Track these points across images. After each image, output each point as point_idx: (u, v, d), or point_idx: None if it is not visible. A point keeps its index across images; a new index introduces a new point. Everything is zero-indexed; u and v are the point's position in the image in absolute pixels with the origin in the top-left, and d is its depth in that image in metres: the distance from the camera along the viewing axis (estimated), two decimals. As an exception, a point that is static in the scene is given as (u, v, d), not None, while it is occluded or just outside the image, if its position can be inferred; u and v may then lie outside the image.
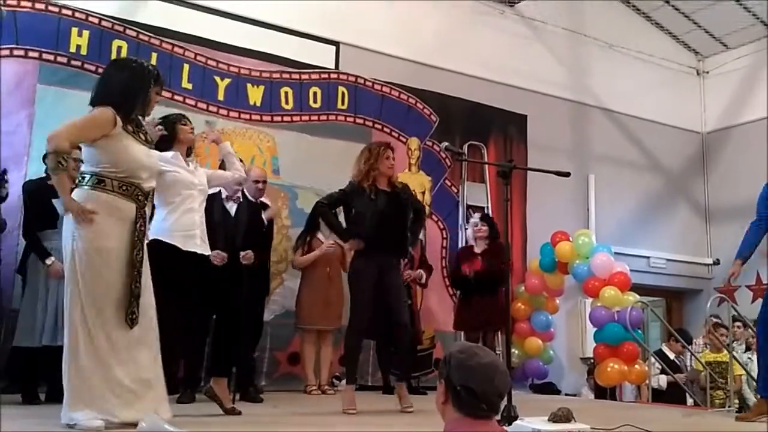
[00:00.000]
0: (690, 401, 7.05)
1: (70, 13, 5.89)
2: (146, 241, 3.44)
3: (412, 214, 4.75)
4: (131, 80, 3.35)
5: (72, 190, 3.26)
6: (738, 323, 7.22)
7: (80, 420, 3.08)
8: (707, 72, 10.35)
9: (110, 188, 3.22)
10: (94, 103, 3.32)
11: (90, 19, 5.97)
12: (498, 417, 2.20)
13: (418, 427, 2.27)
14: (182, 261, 4.04)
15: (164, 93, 4.82)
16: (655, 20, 9.80)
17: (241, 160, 5.19)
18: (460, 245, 7.40)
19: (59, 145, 3.13)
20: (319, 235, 6.02)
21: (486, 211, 7.77)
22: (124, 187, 3.25)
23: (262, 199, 5.64)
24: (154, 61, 6.11)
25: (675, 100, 9.95)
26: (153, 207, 3.80)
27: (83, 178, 3.27)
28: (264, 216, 5.47)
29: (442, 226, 7.58)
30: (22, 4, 5.69)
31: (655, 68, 9.73)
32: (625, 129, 9.48)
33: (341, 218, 4.84)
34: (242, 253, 4.91)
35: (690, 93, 10.25)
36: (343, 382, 4.86)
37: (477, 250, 6.62)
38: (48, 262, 4.49)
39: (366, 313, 4.54)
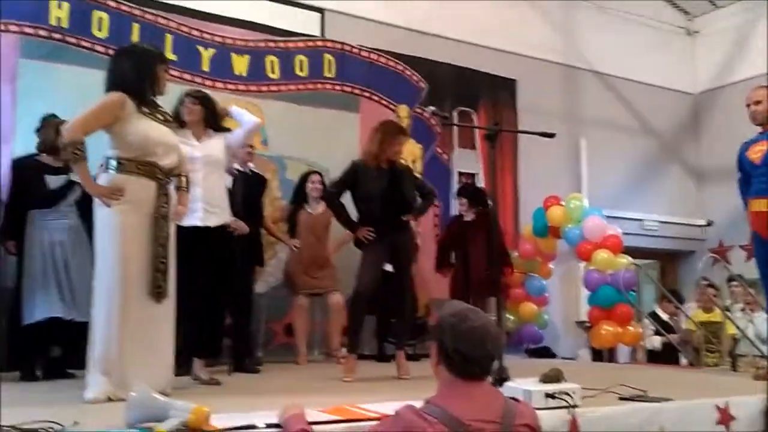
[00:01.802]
0: (684, 361, 7.10)
1: (48, -16, 5.76)
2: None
3: (423, 194, 4.87)
4: (136, 63, 3.46)
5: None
6: (734, 283, 7.23)
7: (91, 384, 3.19)
8: (697, 32, 10.28)
9: (129, 170, 3.33)
10: (108, 91, 3.40)
11: (68, -10, 5.84)
12: (490, 379, 2.20)
13: (416, 393, 2.26)
14: (185, 236, 4.00)
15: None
16: (645, -20, 9.69)
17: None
18: (452, 213, 7.35)
19: (73, 136, 3.24)
20: (306, 207, 6.01)
21: (475, 179, 7.74)
22: (141, 167, 3.35)
23: (253, 168, 5.60)
24: (136, 32, 6.02)
25: (666, 61, 9.88)
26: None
27: (106, 162, 3.37)
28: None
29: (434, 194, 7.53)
30: (0, -23, 5.57)
31: (646, 29, 9.65)
32: (616, 91, 9.43)
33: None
34: (231, 221, 4.81)
35: (681, 54, 10.19)
36: (343, 350, 4.90)
37: (467, 218, 6.63)
38: (9, 245, 4.60)
39: (373, 281, 4.58)
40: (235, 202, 4.99)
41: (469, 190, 7.08)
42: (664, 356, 7.13)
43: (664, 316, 7.46)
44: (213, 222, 4.25)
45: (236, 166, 5.30)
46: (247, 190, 5.27)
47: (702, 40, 10.22)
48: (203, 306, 4.25)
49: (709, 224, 9.83)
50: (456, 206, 7.33)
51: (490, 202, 6.91)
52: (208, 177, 4.25)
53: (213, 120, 4.38)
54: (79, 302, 4.38)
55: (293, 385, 4.37)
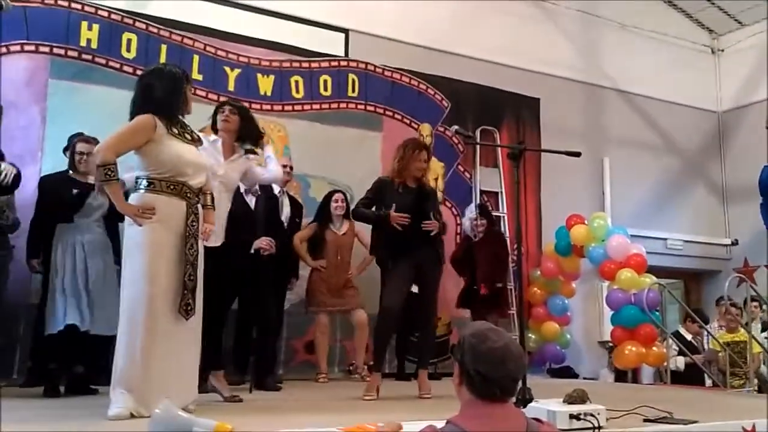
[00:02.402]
0: (708, 382, 7.00)
1: (79, 6, 5.91)
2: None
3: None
4: (165, 84, 3.49)
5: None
6: (755, 303, 7.14)
7: (114, 401, 3.22)
8: (722, 50, 10.21)
9: (159, 189, 3.38)
10: (135, 113, 3.44)
11: (99, 12, 5.99)
12: (513, 400, 2.19)
13: (437, 413, 2.26)
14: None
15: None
16: (669, -1, 9.68)
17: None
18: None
19: (105, 158, 3.29)
20: (331, 227, 6.05)
21: (498, 198, 7.77)
22: (171, 186, 3.40)
23: (288, 189, 5.79)
24: (164, 53, 6.17)
25: (690, 79, 9.83)
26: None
27: (137, 182, 3.43)
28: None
29: (455, 212, 7.55)
30: (32, -1, 5.72)
31: (670, 48, 9.62)
32: (639, 110, 9.39)
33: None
34: (256, 243, 4.87)
35: (705, 72, 10.12)
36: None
37: (476, 239, 6.71)
38: (34, 262, 4.72)
39: (399, 300, 4.55)
40: (258, 221, 5.05)
41: (487, 209, 7.12)
42: (689, 377, 7.03)
43: (688, 336, 7.36)
44: (212, 242, 4.27)
45: (274, 186, 5.42)
46: (270, 211, 5.32)
47: (726, 59, 10.15)
48: (221, 323, 4.31)
49: (734, 243, 9.71)
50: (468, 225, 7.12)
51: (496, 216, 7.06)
52: (220, 196, 4.28)
53: (247, 134, 4.36)
54: (99, 316, 4.45)
55: (314, 403, 4.38)
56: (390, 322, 4.61)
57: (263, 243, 4.82)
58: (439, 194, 7.48)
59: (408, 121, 7.36)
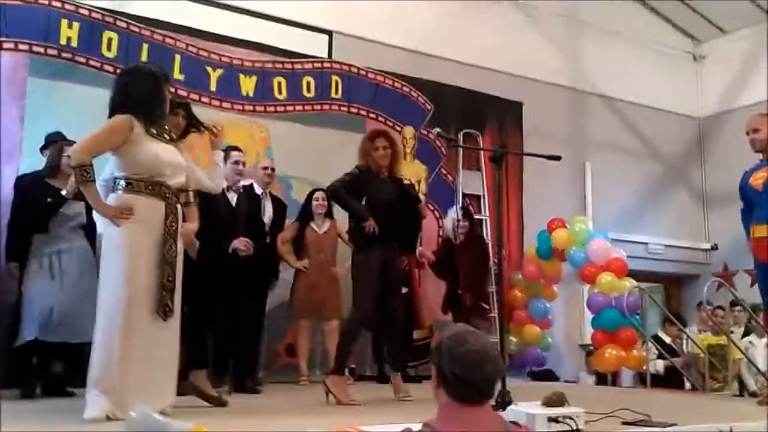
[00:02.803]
0: (688, 385, 7.05)
1: (59, 4, 5.83)
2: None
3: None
4: (146, 85, 3.45)
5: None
6: (738, 307, 7.20)
7: (90, 403, 3.18)
8: (704, 57, 10.31)
9: (138, 189, 3.34)
10: (113, 113, 3.40)
11: (80, 10, 5.91)
12: (492, 402, 2.18)
13: (416, 416, 2.25)
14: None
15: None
16: (651, 5, 9.76)
17: (240, 149, 5.16)
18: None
19: (80, 159, 3.25)
20: (313, 225, 6.03)
21: (480, 201, 7.79)
22: (150, 187, 3.36)
23: (271, 190, 5.70)
24: (145, 52, 6.12)
25: (672, 85, 9.91)
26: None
27: (114, 183, 3.38)
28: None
29: (438, 215, 7.55)
30: (11, -5, 5.65)
31: (652, 54, 9.70)
32: (621, 115, 9.46)
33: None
34: (234, 243, 4.80)
35: (687, 78, 10.22)
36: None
37: (457, 242, 6.69)
38: (12, 267, 4.66)
39: (370, 303, 4.50)
40: (240, 221, 5.01)
41: (470, 211, 7.13)
42: (668, 380, 7.08)
43: (667, 340, 7.42)
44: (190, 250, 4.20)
45: (256, 187, 5.39)
46: (252, 211, 5.28)
47: (708, 66, 10.25)
48: (205, 321, 4.28)
49: (713, 248, 9.80)
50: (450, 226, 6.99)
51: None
52: None
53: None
54: (72, 324, 4.39)
55: (294, 406, 4.36)
56: (355, 331, 4.54)
57: (240, 244, 4.77)
58: (422, 197, 7.49)
59: (391, 124, 7.35)
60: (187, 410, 3.57)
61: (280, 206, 5.88)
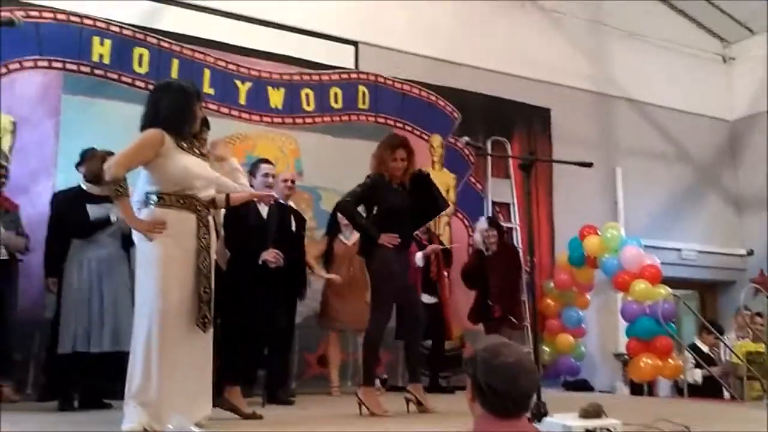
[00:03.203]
0: (727, 395, 6.91)
1: (91, 22, 5.95)
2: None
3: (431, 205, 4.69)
4: (177, 101, 3.50)
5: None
6: (769, 313, 7.06)
7: (128, 415, 3.21)
8: (733, 58, 10.16)
9: (169, 203, 3.38)
10: (145, 128, 3.45)
11: (111, 28, 6.03)
12: (528, 414, 2.15)
13: (448, 427, 2.23)
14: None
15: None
16: (679, 8, 9.65)
17: (270, 162, 5.20)
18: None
19: (114, 174, 3.30)
20: (341, 237, 6.01)
21: (509, 209, 7.75)
22: (181, 200, 3.40)
23: (291, 203, 5.59)
24: (175, 68, 6.21)
25: (701, 88, 9.78)
26: None
27: (146, 197, 3.41)
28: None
29: (467, 224, 7.52)
30: (45, 15, 5.78)
31: (681, 56, 9.58)
32: (651, 119, 9.35)
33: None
34: (264, 255, 4.81)
35: (717, 80, 10.08)
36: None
37: (488, 253, 6.60)
38: (50, 281, 4.70)
39: (390, 311, 4.47)
40: (270, 232, 5.03)
41: (498, 221, 7.06)
42: (706, 389, 6.95)
43: (705, 348, 7.29)
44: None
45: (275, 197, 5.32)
46: (282, 222, 5.29)
47: (738, 67, 10.10)
48: (240, 336, 4.29)
49: (749, 253, 9.62)
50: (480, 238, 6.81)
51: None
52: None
53: None
54: (111, 333, 4.47)
55: (327, 417, 4.35)
56: (377, 340, 4.44)
57: (270, 256, 4.79)
58: (451, 205, 7.47)
59: (418, 133, 7.36)
60: (222, 422, 3.59)
61: (299, 219, 5.82)
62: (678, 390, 7.22)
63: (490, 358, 1.97)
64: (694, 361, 7.05)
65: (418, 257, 6.13)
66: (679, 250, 9.08)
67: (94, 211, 4.72)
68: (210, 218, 3.54)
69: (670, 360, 6.68)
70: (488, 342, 2.06)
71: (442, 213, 7.23)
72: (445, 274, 6.53)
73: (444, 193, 7.20)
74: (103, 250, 4.67)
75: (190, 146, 3.52)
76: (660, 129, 9.39)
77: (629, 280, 6.88)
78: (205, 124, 4.07)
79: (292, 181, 5.57)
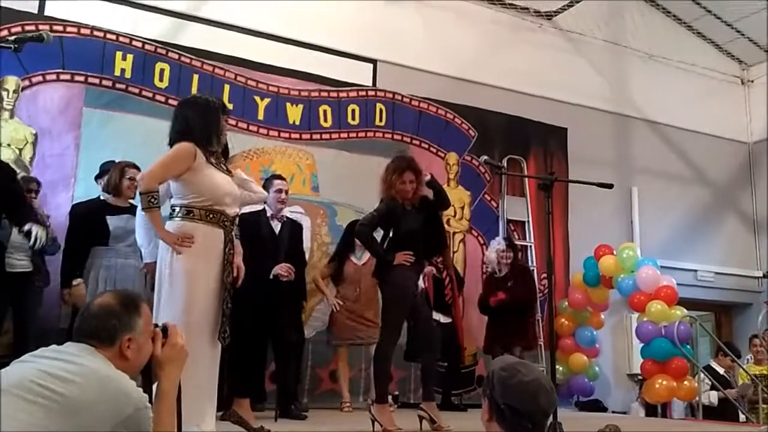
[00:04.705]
0: (742, 418, 6.84)
1: (114, 37, 6.05)
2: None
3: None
4: (203, 114, 3.53)
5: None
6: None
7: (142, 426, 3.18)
8: (752, 81, 10.12)
9: (198, 217, 3.40)
10: (174, 141, 3.49)
11: (134, 42, 6.12)
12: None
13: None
14: None
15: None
16: (697, 29, 9.63)
17: (282, 178, 5.24)
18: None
19: (147, 186, 3.35)
20: (352, 258, 5.98)
21: (525, 227, 7.74)
22: (210, 215, 3.42)
23: (288, 214, 5.41)
24: (195, 83, 6.28)
25: (719, 110, 9.74)
26: None
27: (174, 210, 3.45)
28: None
29: (482, 242, 7.52)
30: (68, 30, 5.88)
31: (699, 78, 9.55)
32: (668, 140, 9.32)
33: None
34: (276, 269, 4.84)
35: (735, 102, 10.03)
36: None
37: (501, 274, 6.56)
38: (75, 282, 4.66)
39: (400, 329, 4.49)
40: (282, 247, 5.06)
41: (515, 243, 7.02)
42: (722, 412, 6.88)
43: (720, 370, 7.22)
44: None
45: (268, 210, 5.14)
46: (291, 236, 5.30)
47: (756, 89, 10.05)
48: (251, 350, 4.31)
49: (766, 276, 9.52)
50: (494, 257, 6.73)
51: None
52: None
53: None
54: None
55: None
56: (387, 358, 4.44)
57: (282, 270, 4.82)
58: (465, 223, 7.49)
59: (435, 150, 7.39)
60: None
61: (300, 230, 5.72)
62: (692, 412, 7.15)
63: (509, 377, 1.96)
64: (709, 383, 6.99)
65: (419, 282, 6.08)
66: (695, 271, 9.00)
67: (113, 222, 4.77)
68: (234, 234, 3.55)
69: (685, 382, 6.62)
70: (505, 361, 2.06)
71: (457, 231, 7.40)
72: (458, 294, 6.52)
73: (459, 211, 7.32)
74: (121, 260, 4.71)
75: (218, 162, 3.56)
76: (677, 150, 9.36)
77: (645, 300, 6.84)
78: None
79: (286, 192, 5.44)
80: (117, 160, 5.16)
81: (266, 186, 5.02)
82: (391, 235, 4.54)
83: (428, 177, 4.66)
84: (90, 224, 4.76)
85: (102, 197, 4.96)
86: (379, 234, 4.61)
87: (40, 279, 4.85)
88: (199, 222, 3.39)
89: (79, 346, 2.01)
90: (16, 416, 1.74)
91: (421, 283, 5.90)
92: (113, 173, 4.90)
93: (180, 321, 3.25)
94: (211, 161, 3.49)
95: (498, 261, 6.58)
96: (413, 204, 4.55)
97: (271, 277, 4.81)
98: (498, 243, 6.74)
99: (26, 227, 4.15)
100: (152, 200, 3.33)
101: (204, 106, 3.58)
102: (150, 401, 2.04)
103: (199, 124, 3.49)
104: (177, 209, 3.44)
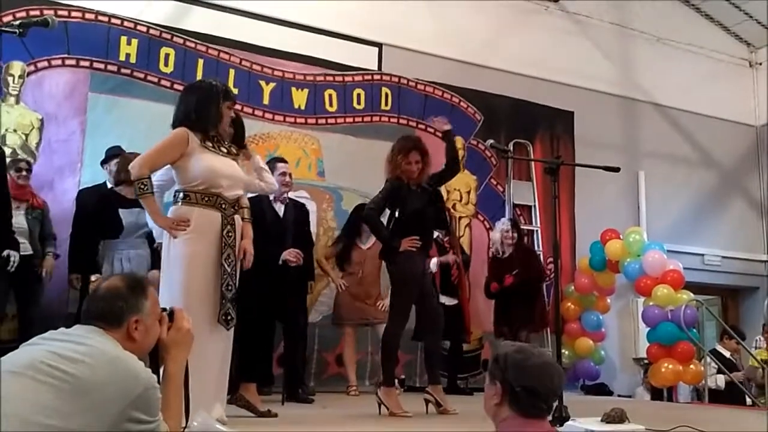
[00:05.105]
0: (749, 401, 6.85)
1: (119, 22, 6.03)
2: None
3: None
4: (201, 99, 3.53)
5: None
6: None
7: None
8: (760, 63, 10.04)
9: (194, 201, 3.40)
10: (173, 127, 3.50)
11: (138, 27, 6.10)
12: (549, 417, 2.16)
13: (467, 427, 2.24)
14: None
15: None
16: (705, 12, 9.55)
17: (285, 161, 5.23)
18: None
19: (139, 172, 3.37)
20: (358, 242, 6.00)
21: (531, 211, 7.73)
22: (206, 199, 3.42)
23: (290, 196, 5.36)
24: (200, 67, 6.26)
25: (727, 93, 9.67)
26: None
27: (175, 196, 3.47)
28: None
29: (488, 226, 7.51)
30: (73, 14, 5.86)
31: (706, 61, 9.49)
32: (675, 123, 9.27)
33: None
34: (284, 254, 4.85)
35: (742, 85, 9.96)
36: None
37: (504, 255, 6.57)
38: (93, 278, 4.65)
39: (408, 313, 4.51)
40: (288, 231, 5.06)
41: (519, 225, 7.02)
42: (728, 395, 6.89)
43: (726, 354, 7.23)
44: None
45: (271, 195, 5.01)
46: (296, 219, 5.31)
47: (764, 72, 9.96)
48: (258, 334, 4.32)
49: (773, 260, 9.51)
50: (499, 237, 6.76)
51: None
52: None
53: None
54: None
55: (347, 417, 4.37)
56: (395, 341, 4.47)
57: (291, 255, 4.83)
58: (471, 207, 7.48)
59: (440, 134, 7.35)
60: (239, 420, 3.61)
61: (305, 213, 5.69)
62: (698, 396, 7.16)
63: (524, 359, 1.99)
64: (715, 366, 6.99)
65: (433, 263, 5.96)
66: (702, 255, 8.98)
67: (126, 216, 4.76)
68: (237, 217, 3.55)
69: (691, 365, 6.63)
70: (516, 345, 2.08)
71: (463, 215, 7.40)
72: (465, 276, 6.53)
73: (465, 195, 7.31)
74: (133, 251, 4.72)
75: (217, 145, 3.55)
76: (684, 133, 9.30)
77: (651, 284, 6.84)
78: (239, 124, 4.01)
79: (290, 175, 5.37)
80: (123, 146, 5.16)
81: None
82: (396, 215, 4.54)
83: (447, 126, 4.64)
84: (101, 216, 4.76)
85: (108, 184, 4.94)
86: (384, 215, 4.61)
87: (40, 263, 4.86)
88: (195, 206, 3.40)
89: (88, 327, 2.03)
90: (27, 396, 1.76)
91: (433, 267, 5.93)
92: (120, 162, 4.89)
93: (180, 305, 3.27)
94: (207, 145, 3.48)
95: (501, 241, 6.59)
96: (418, 183, 4.54)
97: (280, 263, 4.81)
98: (503, 223, 6.75)
99: (4, 254, 4.31)
100: (142, 186, 3.35)
101: (205, 91, 3.57)
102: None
103: (194, 109, 3.49)
104: (177, 195, 3.46)
